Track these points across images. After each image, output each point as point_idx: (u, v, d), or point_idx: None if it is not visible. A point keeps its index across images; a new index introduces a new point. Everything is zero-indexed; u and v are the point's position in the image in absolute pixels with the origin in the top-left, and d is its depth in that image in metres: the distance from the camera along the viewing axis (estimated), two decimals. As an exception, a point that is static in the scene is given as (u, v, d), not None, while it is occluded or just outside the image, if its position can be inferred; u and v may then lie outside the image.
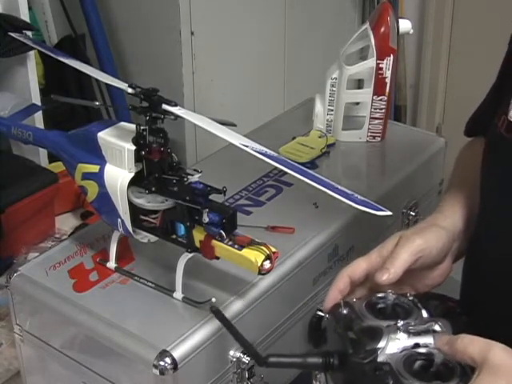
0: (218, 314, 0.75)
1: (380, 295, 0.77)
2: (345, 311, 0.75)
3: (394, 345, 0.68)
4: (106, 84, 1.61)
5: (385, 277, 0.76)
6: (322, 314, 0.77)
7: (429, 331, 0.70)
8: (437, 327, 0.70)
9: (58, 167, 1.33)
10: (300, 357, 0.73)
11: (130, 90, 0.88)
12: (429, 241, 0.81)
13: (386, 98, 1.30)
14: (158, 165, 0.87)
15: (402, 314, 0.73)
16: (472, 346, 0.64)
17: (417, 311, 0.73)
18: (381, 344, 0.68)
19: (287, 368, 0.77)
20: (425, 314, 0.73)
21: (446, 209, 0.89)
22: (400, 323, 0.70)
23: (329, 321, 0.77)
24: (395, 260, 0.78)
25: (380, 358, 0.68)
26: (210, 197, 0.85)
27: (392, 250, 0.80)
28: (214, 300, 0.88)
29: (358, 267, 0.81)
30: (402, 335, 0.69)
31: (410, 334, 0.69)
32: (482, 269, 0.85)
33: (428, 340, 0.69)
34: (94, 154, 0.91)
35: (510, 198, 0.79)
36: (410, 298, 0.75)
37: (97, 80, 1.66)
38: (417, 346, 0.69)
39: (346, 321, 0.74)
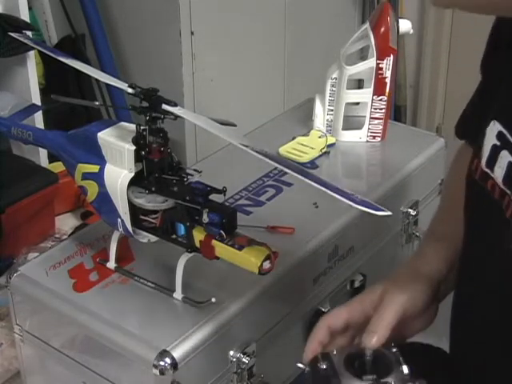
0: None
1: (361, 347, 0.75)
2: (324, 366, 0.72)
3: None
4: (106, 84, 1.61)
5: (373, 341, 0.74)
6: (302, 366, 0.76)
7: None
8: None
9: (57, 167, 1.33)
10: None
11: (130, 90, 0.88)
12: (414, 296, 0.79)
13: (385, 98, 1.30)
14: (158, 165, 0.87)
15: (382, 369, 0.71)
16: None
17: (397, 367, 0.71)
18: None
19: None
20: (405, 370, 0.70)
21: (429, 252, 0.86)
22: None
23: (307, 375, 0.75)
24: (381, 321, 0.76)
25: None
26: (210, 197, 0.85)
27: (376, 307, 0.78)
28: (213, 300, 0.88)
29: (338, 317, 0.79)
30: None
31: None
32: (468, 314, 0.82)
33: None
34: (93, 154, 0.91)
35: (483, 243, 0.76)
36: (393, 350, 0.73)
37: (97, 80, 1.66)
38: None
39: (323, 379, 0.72)
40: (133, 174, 0.88)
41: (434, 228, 0.93)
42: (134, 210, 0.89)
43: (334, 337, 0.79)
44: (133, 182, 0.88)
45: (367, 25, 1.29)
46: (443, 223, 0.91)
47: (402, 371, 0.70)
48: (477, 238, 0.78)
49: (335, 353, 0.73)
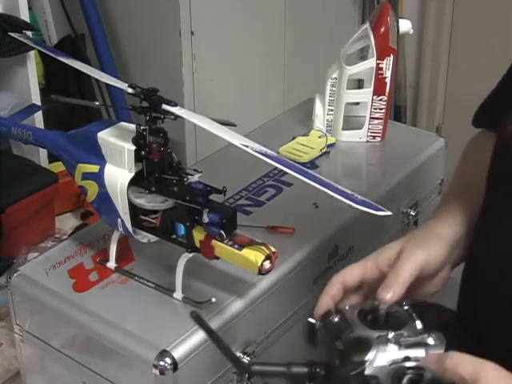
0: (198, 320, 0.71)
1: (373, 303, 0.74)
2: (336, 319, 0.72)
3: (383, 357, 0.66)
4: (106, 84, 1.61)
5: (389, 296, 0.74)
6: (313, 321, 0.75)
7: (421, 344, 0.67)
8: (430, 340, 0.67)
9: (57, 167, 1.33)
10: (285, 366, 0.70)
11: (130, 90, 0.88)
12: (431, 253, 0.79)
13: (385, 98, 1.30)
14: (158, 165, 0.87)
15: (395, 325, 0.70)
16: (463, 365, 0.61)
17: (411, 322, 0.70)
18: (369, 356, 0.66)
19: (271, 377, 0.75)
20: (419, 325, 0.70)
21: (446, 214, 0.87)
22: (391, 334, 0.67)
23: (319, 328, 0.74)
24: (398, 277, 0.75)
25: (368, 371, 0.65)
26: (210, 197, 0.85)
27: (394, 262, 0.78)
28: (213, 300, 0.88)
29: (352, 274, 0.79)
30: (392, 347, 0.66)
31: (400, 346, 0.66)
32: (480, 276, 0.83)
33: (419, 353, 0.66)
34: (93, 154, 0.91)
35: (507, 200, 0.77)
36: (405, 308, 0.72)
37: (97, 80, 1.66)
38: (407, 359, 0.66)
39: (336, 330, 0.71)
40: (133, 174, 0.88)
41: (450, 194, 0.93)
42: (134, 209, 0.89)
43: (346, 294, 0.78)
44: (133, 182, 0.88)
45: (367, 25, 1.29)
46: (459, 193, 0.91)
47: (416, 326, 0.69)
48: (502, 197, 0.78)
49: (347, 308, 0.73)
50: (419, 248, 0.79)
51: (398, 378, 0.65)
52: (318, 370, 0.69)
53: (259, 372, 0.70)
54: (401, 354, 0.66)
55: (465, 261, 0.86)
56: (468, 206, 0.87)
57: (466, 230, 0.85)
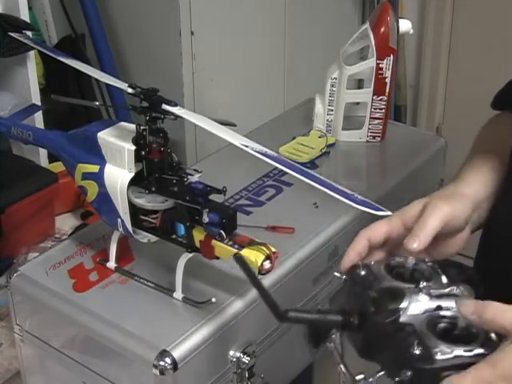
0: (240, 261, 0.72)
1: (399, 259, 0.74)
2: (363, 272, 0.72)
3: (416, 306, 0.66)
4: (106, 84, 1.61)
5: (415, 244, 0.74)
6: (339, 275, 0.75)
7: (451, 295, 0.67)
8: (458, 292, 0.68)
9: (57, 167, 1.33)
10: (320, 313, 0.71)
11: (130, 90, 0.88)
12: (456, 209, 0.79)
13: (386, 98, 1.30)
14: (158, 165, 0.87)
15: (421, 279, 0.70)
16: (504, 313, 0.61)
17: (436, 276, 0.71)
18: (403, 304, 0.66)
19: (305, 324, 0.74)
20: (444, 279, 0.70)
21: (468, 176, 0.88)
22: (422, 285, 0.67)
23: (346, 282, 0.74)
24: (425, 227, 0.76)
25: (402, 319, 0.65)
26: (210, 197, 0.85)
27: (419, 216, 0.78)
28: (213, 300, 0.88)
29: (379, 230, 0.78)
30: (423, 297, 0.67)
31: (431, 296, 0.67)
32: (498, 240, 0.84)
33: (450, 304, 0.66)
34: (93, 154, 0.91)
35: None
36: (429, 264, 0.72)
37: (97, 80, 1.66)
38: (439, 308, 0.66)
39: (365, 282, 0.71)
40: (133, 174, 0.88)
41: (472, 160, 0.93)
42: (134, 209, 0.89)
43: (371, 250, 0.78)
44: (133, 182, 0.88)
45: (367, 25, 1.29)
46: (481, 160, 0.91)
47: (441, 280, 0.70)
48: None
49: (373, 263, 0.73)
50: (445, 202, 0.79)
51: (433, 326, 0.65)
52: (351, 318, 0.69)
53: (295, 318, 0.70)
54: (432, 303, 0.67)
55: (484, 225, 0.87)
56: (489, 173, 0.88)
57: (487, 194, 0.86)
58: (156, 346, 0.83)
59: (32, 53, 1.40)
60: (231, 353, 0.90)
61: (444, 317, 0.66)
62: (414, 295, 0.67)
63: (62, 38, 1.79)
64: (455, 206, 0.80)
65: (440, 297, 0.67)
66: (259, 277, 0.80)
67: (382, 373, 0.65)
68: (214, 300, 0.88)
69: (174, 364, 0.82)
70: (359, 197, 0.77)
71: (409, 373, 0.62)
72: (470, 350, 0.62)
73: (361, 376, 0.67)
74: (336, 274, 0.75)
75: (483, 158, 0.91)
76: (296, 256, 1.00)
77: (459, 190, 0.85)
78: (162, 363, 0.82)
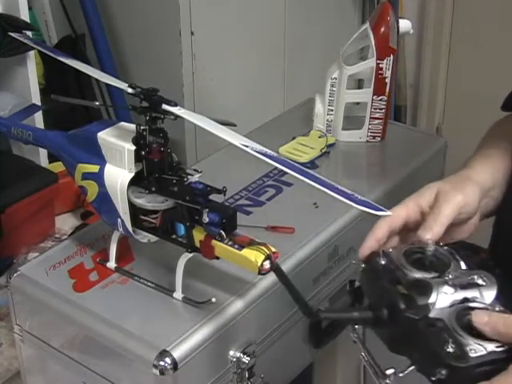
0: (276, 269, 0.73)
1: (417, 245, 0.75)
2: (383, 261, 0.72)
3: (443, 299, 0.66)
4: (106, 84, 1.61)
5: (429, 235, 0.75)
6: (357, 263, 0.75)
7: (474, 285, 0.68)
8: (480, 281, 0.68)
9: (58, 167, 1.33)
10: (350, 312, 0.71)
11: (130, 90, 0.88)
12: (468, 196, 0.80)
13: (385, 98, 1.30)
14: (158, 165, 0.87)
15: (440, 266, 0.71)
16: None
17: (455, 263, 0.71)
18: (432, 299, 0.66)
19: (337, 322, 0.75)
20: (463, 265, 0.71)
21: (477, 165, 0.89)
22: (446, 276, 0.67)
23: (365, 270, 0.74)
24: (438, 217, 0.76)
25: (431, 314, 0.66)
26: (210, 197, 0.85)
27: (433, 205, 0.79)
28: (213, 300, 0.88)
29: (398, 217, 0.79)
30: (449, 289, 0.67)
31: (456, 287, 0.67)
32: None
33: (474, 294, 0.67)
34: (93, 154, 0.91)
35: None
36: (445, 248, 0.73)
37: (97, 80, 1.66)
38: (465, 300, 0.67)
39: (387, 272, 0.71)
40: (133, 174, 0.88)
41: (482, 149, 0.94)
42: (134, 209, 0.89)
43: (389, 236, 0.79)
44: (133, 182, 0.88)
45: (367, 25, 1.29)
46: (491, 151, 0.92)
47: (460, 266, 0.70)
48: None
49: (391, 250, 0.73)
50: (457, 190, 0.80)
51: (462, 320, 0.65)
52: (381, 315, 0.69)
53: (327, 317, 0.71)
54: (458, 295, 0.67)
55: (496, 215, 0.88)
56: (497, 163, 0.89)
57: (494, 183, 0.87)
58: (156, 346, 0.83)
59: (32, 53, 1.40)
60: (231, 353, 0.90)
61: (471, 308, 0.66)
62: (440, 287, 0.67)
63: (62, 38, 1.79)
64: (467, 193, 0.81)
65: (464, 287, 0.67)
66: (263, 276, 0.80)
67: (412, 367, 0.66)
68: (214, 300, 0.88)
69: (174, 364, 0.82)
70: (359, 197, 0.77)
71: (444, 371, 0.62)
72: (502, 346, 0.63)
73: (391, 370, 0.67)
74: (353, 262, 0.75)
75: (491, 148, 0.92)
76: (296, 256, 1.00)
77: (469, 176, 0.85)
78: (162, 363, 0.82)
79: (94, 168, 0.91)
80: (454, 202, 0.79)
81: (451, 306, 0.67)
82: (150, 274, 0.95)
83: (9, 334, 1.11)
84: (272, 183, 1.17)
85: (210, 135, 0.82)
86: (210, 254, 0.86)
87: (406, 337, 0.67)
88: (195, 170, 0.88)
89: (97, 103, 1.12)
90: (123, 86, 0.90)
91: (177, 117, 0.85)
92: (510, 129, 0.93)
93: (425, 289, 0.68)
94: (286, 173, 0.81)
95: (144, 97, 0.86)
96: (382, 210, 0.76)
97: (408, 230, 0.80)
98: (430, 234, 0.75)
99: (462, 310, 0.66)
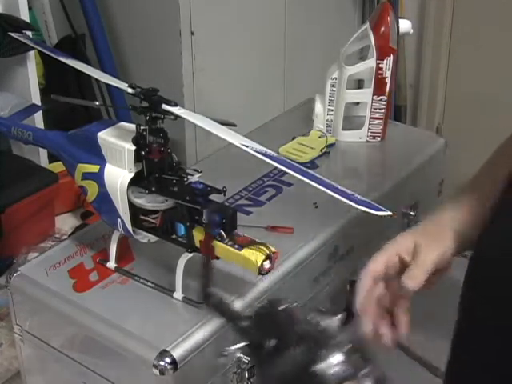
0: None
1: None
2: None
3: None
4: (106, 84, 1.61)
5: (415, 284, 0.77)
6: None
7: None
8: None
9: (58, 167, 1.33)
10: (235, 317, 0.68)
11: (130, 90, 0.88)
12: (444, 252, 0.81)
13: (385, 98, 1.30)
14: (158, 165, 0.87)
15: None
16: None
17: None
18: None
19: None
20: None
21: (463, 212, 0.87)
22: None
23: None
24: (422, 267, 0.78)
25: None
26: (210, 197, 0.85)
27: (414, 255, 0.80)
28: (214, 300, 0.88)
29: (378, 262, 0.80)
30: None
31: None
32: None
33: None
34: (94, 154, 0.91)
35: None
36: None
37: (97, 80, 1.66)
38: None
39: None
40: (133, 174, 0.88)
41: (477, 180, 0.92)
42: (134, 209, 0.89)
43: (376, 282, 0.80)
44: (133, 182, 0.88)
45: (367, 25, 1.29)
46: (480, 181, 0.90)
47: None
48: None
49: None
50: (435, 246, 0.81)
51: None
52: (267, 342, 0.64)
53: (213, 307, 0.70)
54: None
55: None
56: (480, 200, 0.87)
57: (477, 223, 0.86)
58: (156, 346, 0.83)
59: (32, 53, 1.40)
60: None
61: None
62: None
63: (62, 38, 1.79)
64: (443, 248, 0.81)
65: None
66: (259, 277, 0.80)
67: None
68: (214, 300, 0.88)
69: (174, 364, 0.82)
70: (359, 197, 0.77)
71: None
72: None
73: None
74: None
75: (478, 185, 0.89)
76: (296, 256, 1.00)
77: (447, 224, 0.84)
78: (162, 363, 0.82)
79: (94, 168, 0.91)
80: (433, 256, 0.79)
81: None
82: (150, 273, 0.95)
83: (9, 334, 1.11)
84: (272, 183, 1.17)
85: (209, 135, 0.82)
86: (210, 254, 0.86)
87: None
88: (195, 170, 0.89)
89: (97, 103, 1.12)
90: (123, 86, 0.90)
91: (177, 117, 0.85)
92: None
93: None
94: (285, 173, 0.81)
95: (144, 97, 0.86)
96: (382, 210, 0.76)
97: (390, 277, 0.81)
98: (415, 282, 0.77)
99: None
